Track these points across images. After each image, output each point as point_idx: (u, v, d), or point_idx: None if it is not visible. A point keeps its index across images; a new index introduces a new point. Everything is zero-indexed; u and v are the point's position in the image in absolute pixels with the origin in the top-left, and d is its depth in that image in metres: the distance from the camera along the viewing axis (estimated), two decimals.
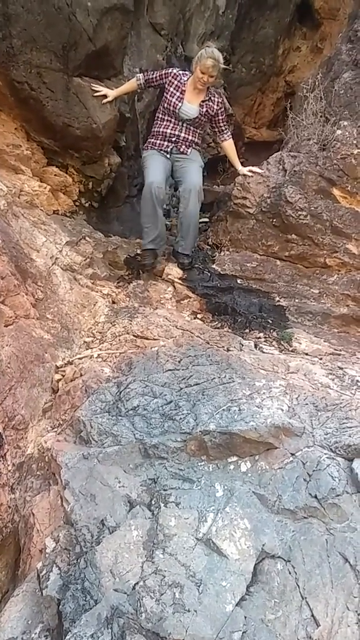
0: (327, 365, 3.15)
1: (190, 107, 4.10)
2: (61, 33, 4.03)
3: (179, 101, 4.09)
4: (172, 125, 4.18)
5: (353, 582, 1.90)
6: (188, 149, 4.22)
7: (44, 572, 2.11)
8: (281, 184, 4.03)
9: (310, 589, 1.91)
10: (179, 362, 3.09)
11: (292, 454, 2.38)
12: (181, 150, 4.20)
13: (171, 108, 4.11)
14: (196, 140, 4.28)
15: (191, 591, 1.90)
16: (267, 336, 3.56)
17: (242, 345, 3.38)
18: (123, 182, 5.05)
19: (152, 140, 4.27)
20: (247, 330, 3.63)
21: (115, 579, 1.97)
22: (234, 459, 2.42)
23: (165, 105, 4.13)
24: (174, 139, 4.19)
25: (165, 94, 4.12)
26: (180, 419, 2.60)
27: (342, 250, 3.81)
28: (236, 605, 1.87)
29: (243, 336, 3.54)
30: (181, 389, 2.84)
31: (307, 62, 5.78)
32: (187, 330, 3.52)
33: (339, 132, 3.82)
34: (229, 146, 4.32)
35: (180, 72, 4.15)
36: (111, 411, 2.73)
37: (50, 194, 4.36)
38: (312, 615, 1.85)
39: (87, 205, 4.81)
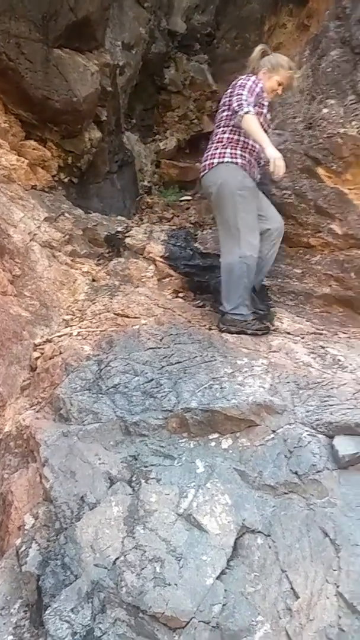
0: (309, 345, 3.15)
1: None
2: (41, 2, 3.93)
3: (269, 116, 3.45)
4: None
5: (332, 556, 1.92)
6: None
7: (23, 548, 2.09)
8: (266, 163, 3.99)
9: (290, 562, 1.93)
10: (161, 340, 3.07)
11: (274, 431, 2.38)
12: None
13: (265, 126, 3.31)
14: None
15: (172, 565, 1.90)
16: None
17: None
18: (103, 157, 4.95)
19: (250, 158, 3.31)
20: None
21: (95, 554, 1.96)
22: (215, 435, 2.42)
23: (261, 120, 3.24)
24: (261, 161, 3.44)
25: (258, 108, 3.27)
26: (162, 396, 2.59)
27: (326, 230, 3.79)
28: (216, 578, 1.88)
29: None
30: (163, 367, 2.82)
31: (293, 39, 5.68)
32: (168, 308, 3.49)
33: (325, 110, 3.77)
34: None
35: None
36: (92, 389, 2.70)
37: (28, 169, 4.26)
38: (292, 588, 1.86)
39: (66, 180, 4.72)
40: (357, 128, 3.54)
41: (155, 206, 5.20)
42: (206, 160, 3.39)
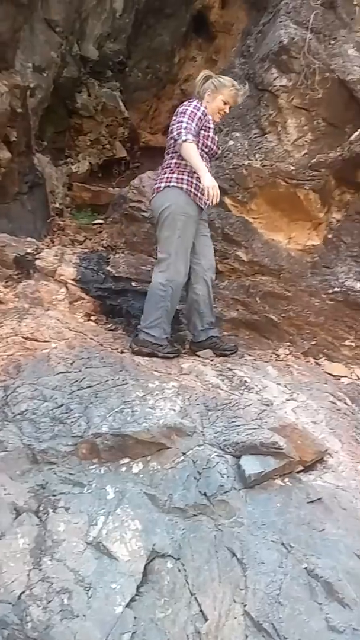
0: (217, 367, 3.24)
1: None
2: None
3: (217, 138, 3.52)
4: (208, 167, 3.34)
5: (239, 575, 1.97)
6: None
7: None
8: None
9: (199, 584, 1.95)
10: (71, 364, 3.03)
11: (183, 453, 2.42)
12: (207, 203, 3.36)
13: (215, 148, 3.48)
14: None
15: (80, 596, 1.87)
16: None
17: None
18: (13, 178, 4.84)
19: (197, 184, 3.27)
20: None
21: None
22: (126, 460, 2.41)
23: (209, 143, 3.40)
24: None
25: (204, 131, 3.36)
26: (72, 422, 2.55)
27: (233, 257, 3.94)
28: (126, 606, 1.87)
29: None
30: (73, 391, 2.78)
31: None
32: (80, 332, 3.45)
33: (231, 142, 3.96)
34: None
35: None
36: None
37: None
38: (201, 610, 1.88)
39: None
40: (261, 160, 3.75)
41: (67, 229, 5.15)
42: (155, 184, 3.46)
